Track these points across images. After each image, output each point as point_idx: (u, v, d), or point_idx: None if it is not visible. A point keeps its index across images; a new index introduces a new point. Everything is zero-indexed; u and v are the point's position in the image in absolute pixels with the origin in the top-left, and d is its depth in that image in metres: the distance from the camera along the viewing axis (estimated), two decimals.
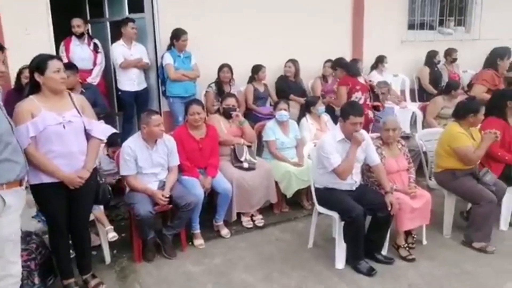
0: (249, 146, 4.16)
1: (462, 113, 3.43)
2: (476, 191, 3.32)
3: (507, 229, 3.67)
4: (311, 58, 5.85)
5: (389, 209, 3.01)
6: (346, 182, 3.12)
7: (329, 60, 5.84)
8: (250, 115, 5.20)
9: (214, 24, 5.19)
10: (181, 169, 3.57)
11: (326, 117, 4.69)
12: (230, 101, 4.08)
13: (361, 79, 4.79)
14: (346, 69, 4.80)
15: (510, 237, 3.53)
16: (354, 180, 3.16)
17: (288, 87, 5.47)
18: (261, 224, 3.89)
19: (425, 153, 3.90)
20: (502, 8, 7.47)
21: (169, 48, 4.85)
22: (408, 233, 3.40)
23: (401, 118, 5.39)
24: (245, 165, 3.89)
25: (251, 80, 5.31)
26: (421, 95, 6.69)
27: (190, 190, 3.40)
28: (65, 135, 2.49)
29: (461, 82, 6.90)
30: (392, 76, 6.60)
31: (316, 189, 3.25)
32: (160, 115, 5.23)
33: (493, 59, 4.53)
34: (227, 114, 4.07)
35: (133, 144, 3.24)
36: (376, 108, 4.85)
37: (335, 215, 3.09)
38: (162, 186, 3.33)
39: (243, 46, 5.39)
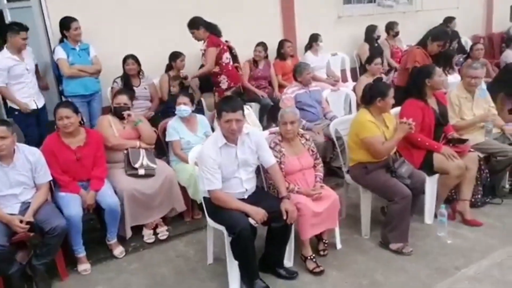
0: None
1: (368, 97, 3.01)
2: (389, 186, 2.93)
3: (432, 222, 3.32)
4: (239, 42, 5.33)
5: (285, 217, 2.58)
6: (235, 191, 2.67)
7: (260, 44, 5.35)
8: (166, 110, 4.69)
9: (119, 9, 4.60)
10: (58, 185, 3.07)
11: (247, 110, 4.20)
12: (121, 99, 3.55)
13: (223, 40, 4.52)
14: (209, 29, 4.35)
15: (433, 232, 3.17)
16: (244, 188, 2.71)
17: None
18: (164, 237, 3.43)
19: (342, 144, 3.47)
20: None
21: (61, 41, 4.24)
22: (319, 238, 3.01)
23: (333, 101, 5.00)
24: (141, 171, 3.39)
25: (168, 69, 4.77)
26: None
27: (63, 210, 2.90)
28: None
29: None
30: (330, 55, 6.17)
31: (204, 199, 2.79)
32: None
33: (426, 37, 4.10)
34: (118, 114, 3.54)
35: None
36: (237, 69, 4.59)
37: (223, 229, 2.65)
38: (25, 209, 2.81)
39: (157, 32, 4.82)
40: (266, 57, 5.37)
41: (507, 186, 3.74)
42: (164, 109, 4.56)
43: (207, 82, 4.87)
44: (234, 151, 2.64)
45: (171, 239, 3.44)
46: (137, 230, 3.43)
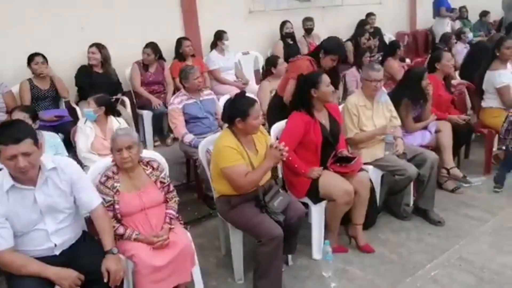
0: None
1: (227, 116, 2.42)
2: (256, 225, 2.36)
3: (321, 257, 2.81)
4: (126, 42, 4.62)
5: (105, 280, 1.94)
6: (37, 247, 1.98)
7: (149, 45, 4.53)
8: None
9: None
10: None
11: (118, 122, 3.50)
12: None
13: None
14: None
15: (318, 271, 2.65)
16: (53, 243, 2.01)
17: (90, 81, 4.19)
18: None
19: None
20: None
21: None
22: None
23: None
24: None
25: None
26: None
27: None
28: None
29: None
30: (241, 54, 5.57)
31: None
32: None
33: (317, 49, 3.43)
34: None
35: None
36: None
37: None
38: None
39: (16, 28, 4.00)
40: (159, 58, 4.65)
41: (411, 204, 3.34)
42: None
43: (84, 89, 4.14)
44: (31, 195, 1.94)
45: None
46: None
